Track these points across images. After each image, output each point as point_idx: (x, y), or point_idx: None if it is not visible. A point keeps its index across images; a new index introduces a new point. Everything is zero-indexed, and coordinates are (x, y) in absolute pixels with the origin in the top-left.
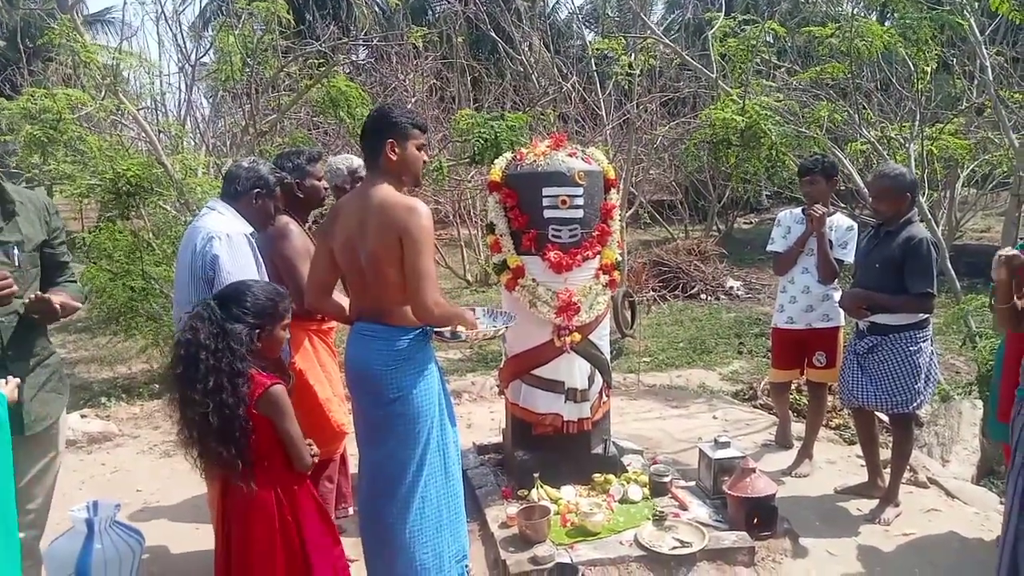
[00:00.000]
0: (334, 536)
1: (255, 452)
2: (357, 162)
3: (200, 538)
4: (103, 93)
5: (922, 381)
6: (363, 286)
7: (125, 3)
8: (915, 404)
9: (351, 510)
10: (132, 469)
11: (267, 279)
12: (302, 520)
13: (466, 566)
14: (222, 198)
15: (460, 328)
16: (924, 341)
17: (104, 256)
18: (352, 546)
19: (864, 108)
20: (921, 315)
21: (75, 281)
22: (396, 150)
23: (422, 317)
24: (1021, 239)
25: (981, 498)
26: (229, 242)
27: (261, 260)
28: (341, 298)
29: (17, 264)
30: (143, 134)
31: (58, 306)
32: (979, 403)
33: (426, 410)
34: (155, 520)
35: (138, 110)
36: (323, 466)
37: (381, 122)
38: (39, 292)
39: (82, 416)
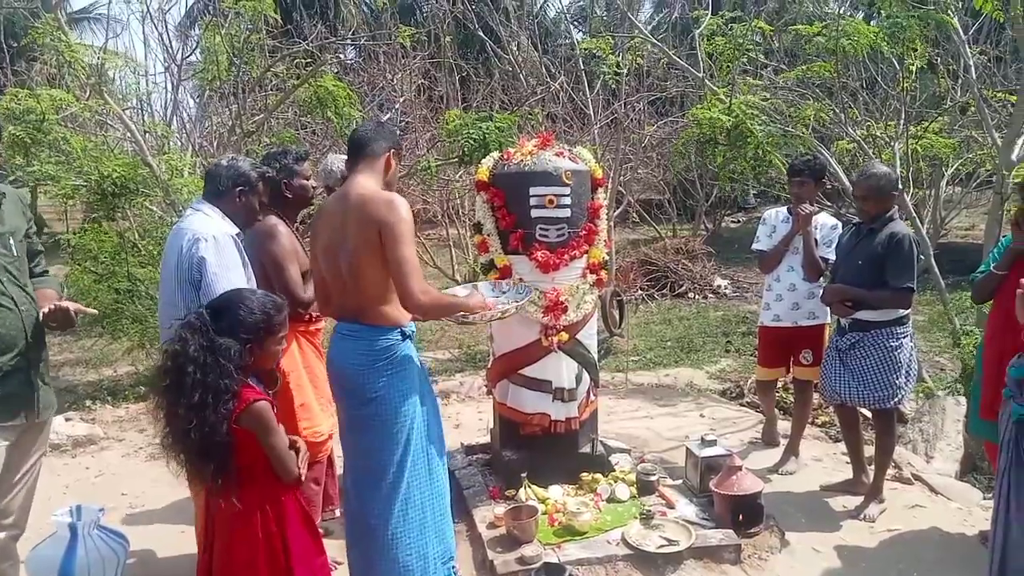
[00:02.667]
0: (318, 545)
1: (238, 464)
2: None
3: (185, 541)
4: (88, 93)
5: (903, 376)
6: (342, 285)
7: (110, 2)
8: (896, 399)
9: (338, 511)
10: (117, 472)
11: (254, 280)
12: (287, 530)
13: (453, 567)
14: (205, 198)
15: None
16: (904, 337)
17: (89, 258)
18: (339, 548)
19: (850, 107)
20: (901, 311)
21: (48, 271)
22: (394, 162)
23: (411, 308)
24: (1004, 236)
25: (964, 494)
26: (215, 244)
27: (248, 261)
28: None
29: (15, 254)
30: (129, 134)
31: (73, 313)
32: (963, 400)
33: (406, 411)
34: (140, 524)
35: (124, 110)
36: (308, 468)
37: (389, 133)
38: (57, 303)
39: (67, 419)
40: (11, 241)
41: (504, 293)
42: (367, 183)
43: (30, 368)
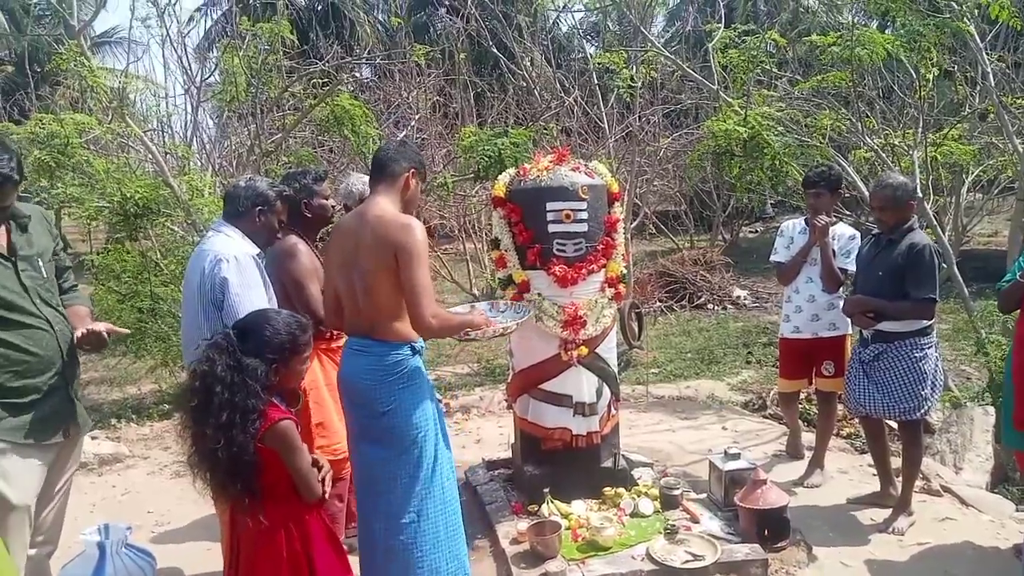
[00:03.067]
0: (343, 562)
1: (263, 483)
2: None
3: (211, 558)
4: (110, 116)
5: (928, 387)
6: (355, 302)
7: (131, 27)
8: (922, 411)
9: None
10: (143, 490)
11: (275, 300)
12: (313, 549)
13: None
14: (225, 219)
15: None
16: (929, 347)
17: (112, 277)
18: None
19: (867, 116)
20: (924, 321)
21: (77, 286)
22: (413, 182)
23: (422, 330)
24: None
25: (996, 505)
26: (237, 264)
27: (269, 282)
28: None
29: (45, 275)
30: (150, 156)
31: (106, 334)
32: (991, 409)
33: (417, 424)
34: (167, 542)
35: (145, 132)
36: (332, 484)
37: (411, 153)
38: (90, 327)
39: (92, 438)
40: (40, 263)
41: (502, 312)
42: (385, 204)
43: (68, 386)
